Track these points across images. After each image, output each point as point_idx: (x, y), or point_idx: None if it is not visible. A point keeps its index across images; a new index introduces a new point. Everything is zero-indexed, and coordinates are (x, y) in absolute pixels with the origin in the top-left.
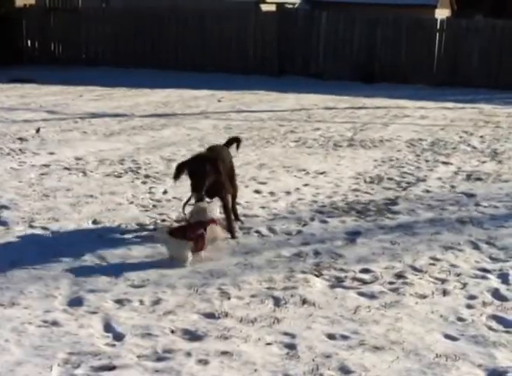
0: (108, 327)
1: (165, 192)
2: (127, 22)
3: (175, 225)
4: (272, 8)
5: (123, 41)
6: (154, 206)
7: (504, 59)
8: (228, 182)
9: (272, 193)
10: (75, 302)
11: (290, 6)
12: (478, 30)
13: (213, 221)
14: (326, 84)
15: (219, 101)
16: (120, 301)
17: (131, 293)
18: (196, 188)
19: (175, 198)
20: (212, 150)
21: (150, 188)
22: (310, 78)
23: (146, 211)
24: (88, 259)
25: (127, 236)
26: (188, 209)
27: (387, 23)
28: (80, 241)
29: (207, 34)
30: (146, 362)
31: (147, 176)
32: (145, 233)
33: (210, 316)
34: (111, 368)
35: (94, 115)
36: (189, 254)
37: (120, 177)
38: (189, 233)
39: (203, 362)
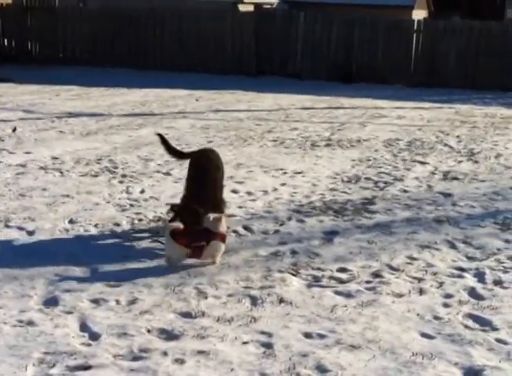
0: (84, 327)
1: (142, 191)
2: (104, 21)
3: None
4: (250, 8)
5: (100, 40)
6: (131, 205)
7: (481, 60)
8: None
9: (249, 193)
10: (51, 302)
11: (268, 6)
12: (455, 31)
13: (222, 236)
14: (303, 84)
15: (197, 101)
16: (96, 301)
17: (107, 292)
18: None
19: (152, 197)
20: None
21: (127, 187)
22: (288, 78)
23: (123, 210)
24: (64, 259)
25: (104, 235)
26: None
27: (365, 23)
28: (56, 241)
29: (184, 34)
30: (121, 361)
31: (124, 176)
32: (122, 232)
33: (186, 315)
34: (86, 368)
35: (71, 114)
36: (182, 259)
37: (96, 176)
38: (190, 240)
39: (180, 361)
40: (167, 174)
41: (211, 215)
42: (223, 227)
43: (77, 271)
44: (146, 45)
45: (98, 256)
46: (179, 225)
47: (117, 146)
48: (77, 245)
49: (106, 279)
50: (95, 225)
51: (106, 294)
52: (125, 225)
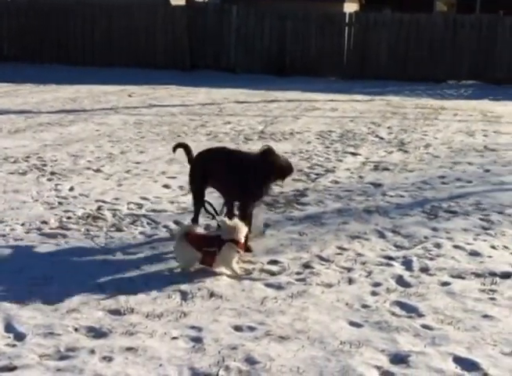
0: (9, 328)
1: (71, 189)
2: (33, 16)
3: (199, 230)
4: (182, 2)
5: (29, 36)
6: (60, 203)
7: (411, 51)
8: None
9: (181, 188)
10: None
11: (200, 0)
12: (386, 24)
13: (235, 243)
14: (237, 78)
15: (130, 96)
16: (22, 301)
17: (34, 292)
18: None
19: (82, 195)
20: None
21: (56, 185)
22: (222, 72)
23: (52, 208)
24: None
25: (31, 234)
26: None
27: (297, 17)
28: None
29: (115, 28)
30: (47, 361)
31: (53, 173)
32: (49, 230)
33: (115, 312)
34: (11, 369)
35: None
36: (192, 263)
37: (24, 174)
38: (203, 243)
39: (107, 359)
40: (98, 171)
41: (227, 221)
42: (238, 235)
43: (3, 271)
44: (76, 39)
45: (24, 255)
46: (193, 227)
47: (47, 143)
48: (3, 245)
49: (33, 278)
50: (22, 224)
51: (32, 294)
52: (53, 223)
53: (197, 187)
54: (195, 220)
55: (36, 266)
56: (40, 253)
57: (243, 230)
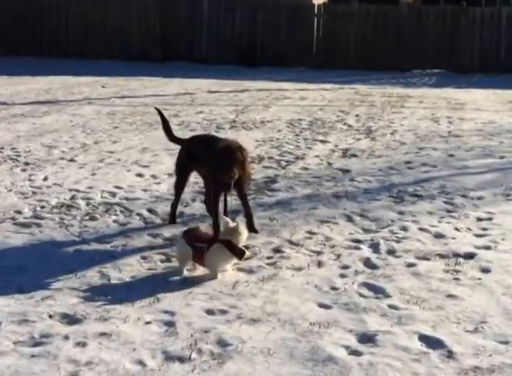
0: None
1: (45, 178)
2: (5, 7)
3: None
4: None
5: (2, 27)
6: (34, 193)
7: (377, 41)
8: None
9: (154, 176)
10: None
11: None
12: (353, 15)
13: (228, 244)
14: (210, 68)
15: (103, 87)
16: None
17: (7, 280)
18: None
19: (56, 184)
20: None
21: (30, 175)
22: (194, 63)
23: (26, 198)
24: None
25: (5, 224)
26: None
27: (268, 8)
28: None
29: (88, 20)
30: (22, 348)
31: (27, 163)
32: (23, 220)
33: (89, 299)
34: None
35: None
36: (186, 261)
37: None
38: (195, 239)
39: (81, 344)
40: (71, 160)
41: (228, 221)
42: (235, 238)
43: None
44: (50, 31)
45: None
46: (198, 228)
47: (20, 134)
48: None
49: (7, 267)
50: None
51: (6, 283)
52: (27, 213)
53: (182, 170)
54: (174, 205)
55: (10, 255)
56: (14, 242)
57: (242, 236)
